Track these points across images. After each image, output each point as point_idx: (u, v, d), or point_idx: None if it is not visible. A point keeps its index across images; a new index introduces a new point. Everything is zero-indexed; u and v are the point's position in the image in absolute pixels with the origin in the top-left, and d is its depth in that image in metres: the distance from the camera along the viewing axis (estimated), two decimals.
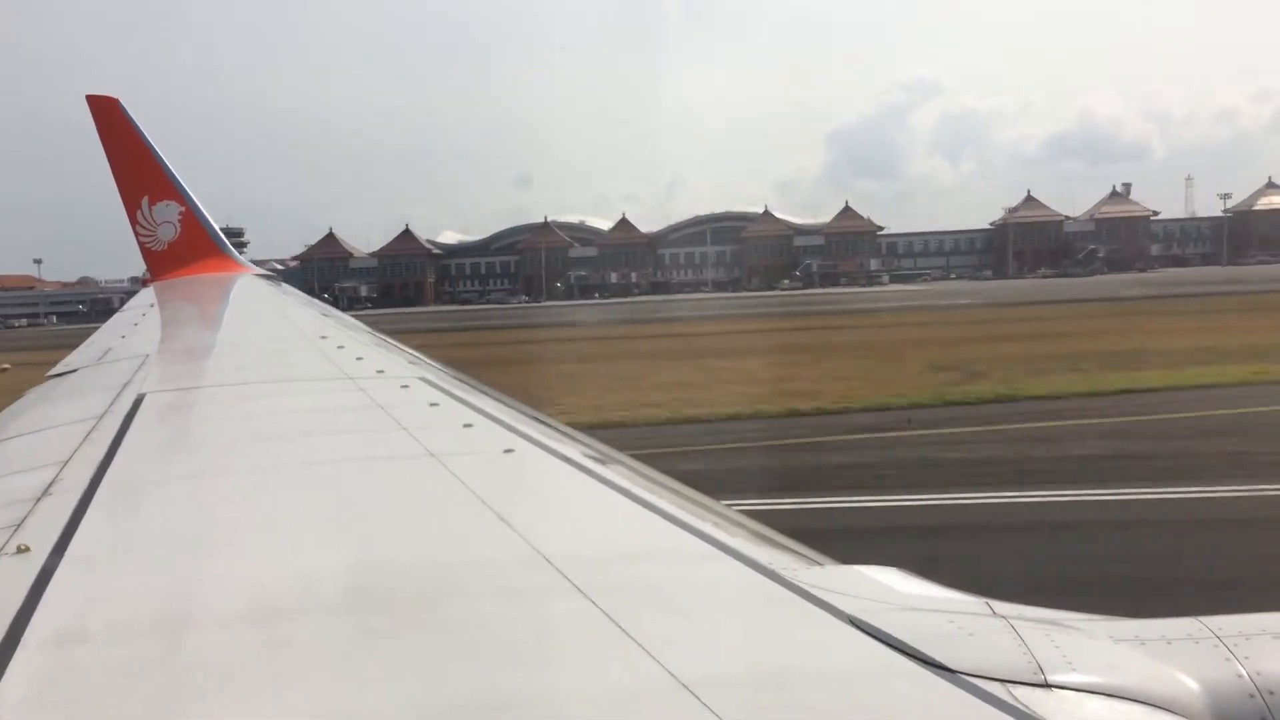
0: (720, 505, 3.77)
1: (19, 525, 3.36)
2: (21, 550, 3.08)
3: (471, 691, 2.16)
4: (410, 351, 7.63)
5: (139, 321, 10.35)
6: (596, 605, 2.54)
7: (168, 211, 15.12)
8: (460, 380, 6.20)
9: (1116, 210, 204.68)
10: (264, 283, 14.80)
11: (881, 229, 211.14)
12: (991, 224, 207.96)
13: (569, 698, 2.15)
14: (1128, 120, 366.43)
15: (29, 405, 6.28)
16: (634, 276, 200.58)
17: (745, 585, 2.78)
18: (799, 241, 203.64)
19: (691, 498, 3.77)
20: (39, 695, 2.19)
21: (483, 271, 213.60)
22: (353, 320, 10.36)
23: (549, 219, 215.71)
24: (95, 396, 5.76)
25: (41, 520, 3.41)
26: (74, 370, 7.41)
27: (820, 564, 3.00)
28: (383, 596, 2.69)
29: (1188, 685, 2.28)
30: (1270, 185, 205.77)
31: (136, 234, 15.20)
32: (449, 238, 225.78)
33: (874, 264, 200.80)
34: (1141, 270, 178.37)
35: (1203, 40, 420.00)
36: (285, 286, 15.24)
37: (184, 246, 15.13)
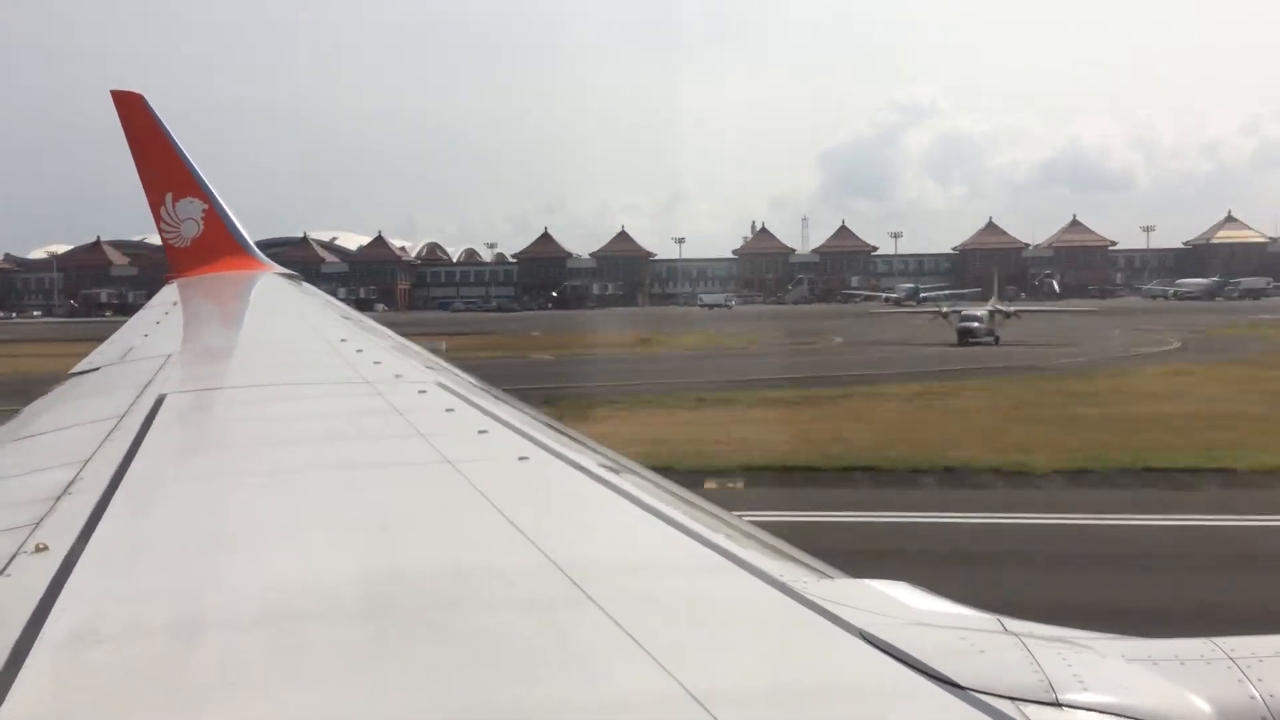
0: (732, 516, 3.79)
1: (38, 524, 3.41)
2: (40, 549, 3.13)
3: (482, 699, 2.21)
4: (428, 356, 7.70)
5: (161, 320, 10.47)
6: (608, 615, 2.57)
7: (191, 208, 15.08)
8: (476, 386, 6.25)
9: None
10: (285, 282, 14.85)
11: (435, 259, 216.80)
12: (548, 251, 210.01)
13: (580, 708, 2.19)
14: (1115, 148, 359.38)
15: (52, 403, 6.37)
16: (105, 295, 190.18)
17: (757, 598, 2.80)
18: (326, 268, 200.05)
19: (704, 508, 3.79)
20: (55, 693, 2.26)
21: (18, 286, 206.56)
22: (373, 323, 10.35)
23: None
24: (117, 396, 5.85)
25: (61, 519, 3.47)
26: (96, 369, 7.50)
27: (831, 577, 3.01)
28: (396, 602, 2.73)
29: (1200, 707, 2.27)
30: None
31: (160, 230, 15.25)
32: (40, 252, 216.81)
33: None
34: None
35: (1198, 71, 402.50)
36: (306, 286, 15.29)
37: (207, 244, 15.10)
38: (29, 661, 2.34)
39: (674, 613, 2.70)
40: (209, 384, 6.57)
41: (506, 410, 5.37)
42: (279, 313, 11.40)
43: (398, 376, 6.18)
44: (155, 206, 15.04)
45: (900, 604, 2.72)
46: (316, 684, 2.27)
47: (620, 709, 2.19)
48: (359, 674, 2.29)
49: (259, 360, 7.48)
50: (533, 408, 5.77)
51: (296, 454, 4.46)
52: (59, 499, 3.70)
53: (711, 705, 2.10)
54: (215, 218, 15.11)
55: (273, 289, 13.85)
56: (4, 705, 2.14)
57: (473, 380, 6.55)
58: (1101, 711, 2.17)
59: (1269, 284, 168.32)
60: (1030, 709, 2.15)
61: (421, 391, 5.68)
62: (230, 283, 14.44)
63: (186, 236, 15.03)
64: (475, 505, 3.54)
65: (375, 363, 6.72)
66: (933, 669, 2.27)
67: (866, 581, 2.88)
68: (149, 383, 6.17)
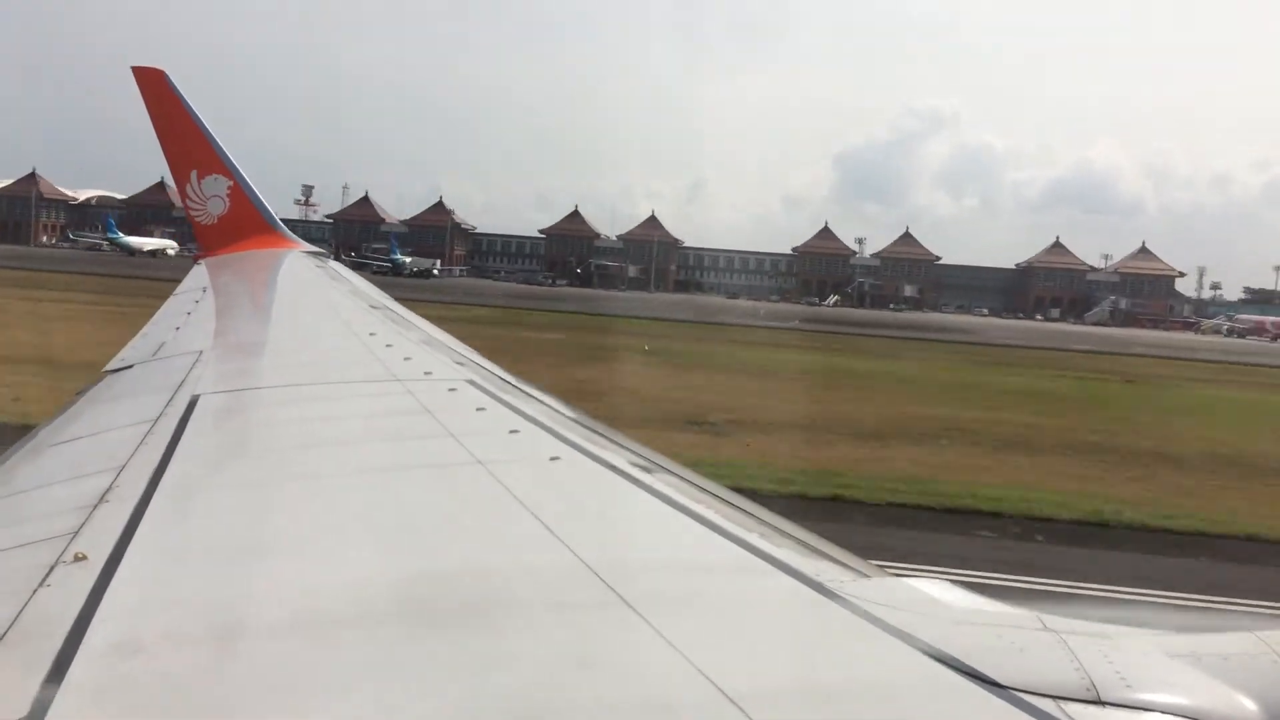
0: (768, 514, 3.75)
1: (76, 533, 3.49)
2: (79, 558, 3.20)
3: (517, 702, 2.27)
4: (457, 350, 7.74)
5: (192, 310, 10.65)
6: (642, 617, 2.62)
7: (216, 185, 15.10)
8: (507, 382, 6.31)
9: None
10: (312, 264, 14.78)
11: None
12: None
13: (614, 710, 2.24)
14: (1127, 174, 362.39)
15: (89, 403, 6.57)
16: None
17: (792, 598, 2.83)
18: None
19: (739, 506, 3.78)
20: (98, 704, 2.33)
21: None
22: (403, 311, 10.31)
23: None
24: (151, 397, 6.00)
25: (98, 527, 3.54)
26: (130, 366, 7.70)
27: (867, 575, 3.02)
28: (431, 607, 2.80)
29: (1245, 704, 2.26)
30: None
31: (186, 207, 15.36)
32: None
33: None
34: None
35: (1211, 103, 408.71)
36: (333, 266, 15.15)
37: (233, 222, 15.13)
38: (71, 672, 2.40)
39: (708, 614, 2.73)
40: (240, 384, 6.71)
41: (538, 408, 5.41)
42: (307, 303, 11.51)
43: (427, 374, 6.26)
44: (180, 184, 15.15)
45: (938, 602, 2.73)
46: (355, 689, 2.34)
47: (654, 711, 2.22)
48: (396, 678, 2.35)
49: (289, 358, 7.65)
50: (565, 405, 5.73)
51: (328, 457, 4.57)
52: (96, 507, 3.77)
53: (747, 706, 2.14)
54: (241, 195, 15.14)
55: (301, 274, 13.87)
56: (48, 715, 2.21)
57: (503, 376, 6.56)
58: (1144, 709, 2.18)
59: (435, 265, 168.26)
60: (1071, 707, 2.16)
61: (452, 390, 5.75)
62: (258, 266, 14.51)
63: (213, 214, 15.06)
64: (507, 507, 3.60)
65: (405, 359, 6.79)
66: (971, 668, 2.29)
67: (905, 580, 2.92)
68: (182, 383, 6.30)
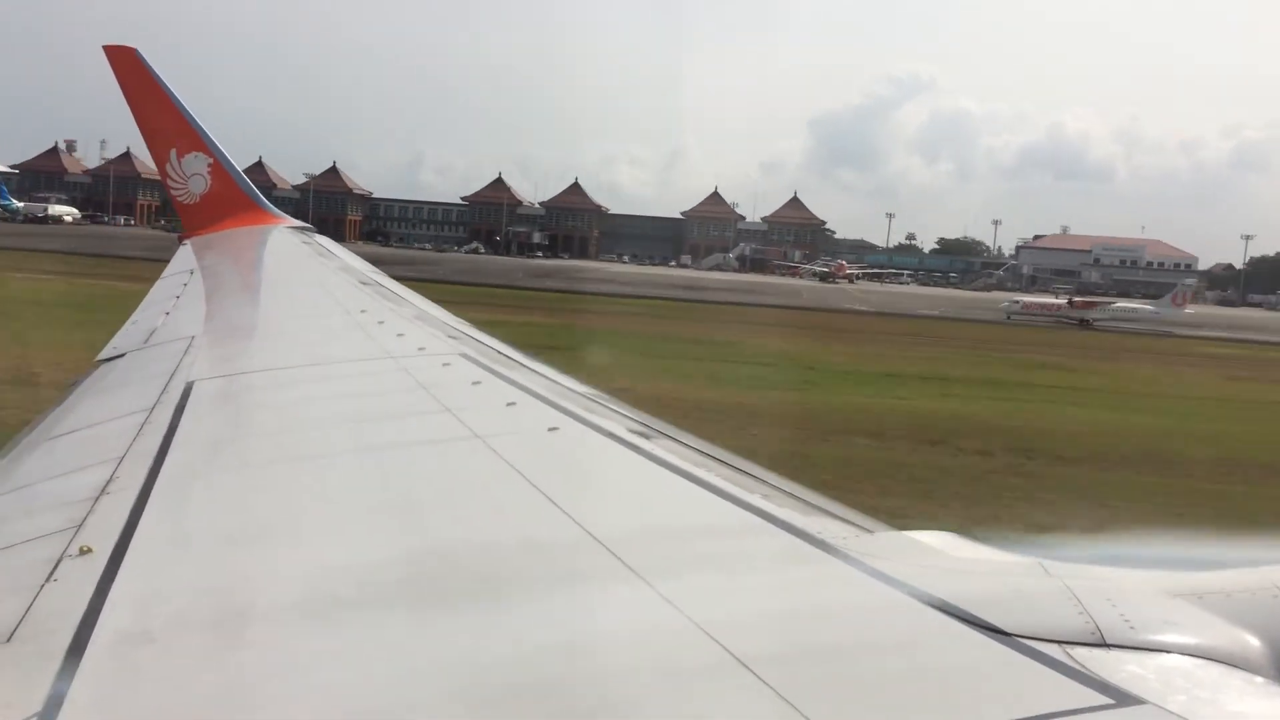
0: (770, 475, 3.82)
1: (80, 525, 3.51)
2: (84, 551, 3.23)
3: (526, 671, 2.32)
4: (451, 325, 7.72)
5: (180, 294, 10.55)
6: (648, 583, 2.66)
7: (196, 163, 14.89)
8: (501, 354, 6.32)
9: None
10: (299, 240, 14.62)
11: None
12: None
13: (625, 676, 2.28)
14: (1099, 139, 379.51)
15: (84, 394, 6.53)
16: None
17: (797, 557, 2.88)
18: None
19: (740, 468, 3.85)
20: (110, 695, 2.36)
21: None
22: (394, 285, 10.28)
23: None
24: (145, 385, 5.99)
25: (102, 520, 3.57)
26: (122, 354, 7.65)
27: (870, 531, 3.09)
28: (436, 583, 2.84)
29: (1248, 640, 2.31)
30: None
31: (167, 187, 15.12)
32: None
33: None
34: None
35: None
36: (319, 241, 14.92)
37: (215, 199, 14.93)
38: (83, 666, 2.43)
39: (714, 577, 2.78)
40: (233, 369, 6.70)
41: (534, 379, 5.44)
42: (297, 282, 11.48)
43: (421, 350, 6.31)
44: (160, 163, 14.87)
45: (942, 554, 2.79)
46: (366, 668, 2.38)
47: (665, 675, 2.26)
48: (405, 656, 2.40)
49: (281, 340, 7.67)
50: (562, 374, 5.78)
51: (325, 438, 4.62)
52: (98, 499, 3.80)
53: (757, 667, 2.17)
54: (222, 172, 14.93)
55: (288, 251, 13.76)
56: (61, 710, 2.24)
57: (499, 348, 6.59)
58: (1150, 650, 2.21)
59: (47, 209, 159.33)
60: (1077, 651, 2.19)
61: (446, 364, 5.79)
62: (245, 245, 14.36)
63: (195, 193, 14.83)
64: (508, 480, 3.65)
65: (398, 335, 6.84)
66: (976, 617, 2.33)
67: (908, 533, 2.98)
68: (175, 370, 6.31)
